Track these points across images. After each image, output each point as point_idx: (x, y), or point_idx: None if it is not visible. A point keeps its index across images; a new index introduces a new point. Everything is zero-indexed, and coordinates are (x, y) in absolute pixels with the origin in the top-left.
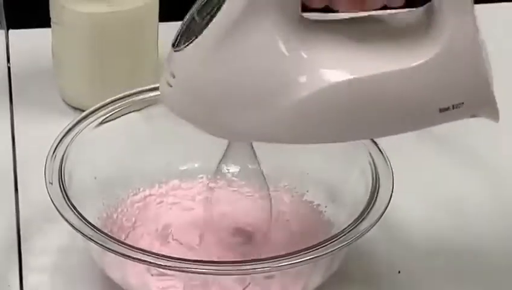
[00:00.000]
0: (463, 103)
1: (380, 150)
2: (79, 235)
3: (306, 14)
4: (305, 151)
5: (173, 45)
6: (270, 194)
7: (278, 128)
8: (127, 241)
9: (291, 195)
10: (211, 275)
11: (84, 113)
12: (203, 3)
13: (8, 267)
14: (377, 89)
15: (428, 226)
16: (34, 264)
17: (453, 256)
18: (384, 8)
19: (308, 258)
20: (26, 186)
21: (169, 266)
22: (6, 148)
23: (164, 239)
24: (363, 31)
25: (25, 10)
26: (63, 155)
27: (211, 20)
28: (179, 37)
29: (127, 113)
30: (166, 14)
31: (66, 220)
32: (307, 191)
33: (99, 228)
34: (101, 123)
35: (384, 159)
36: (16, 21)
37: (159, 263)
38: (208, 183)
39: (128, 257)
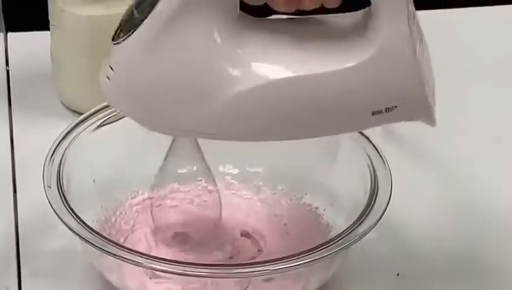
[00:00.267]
0: (396, 107)
1: (379, 153)
2: (77, 238)
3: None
4: (303, 154)
5: (112, 38)
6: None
7: (214, 124)
8: (125, 245)
9: (290, 198)
10: (209, 278)
11: (82, 116)
12: None
13: (6, 270)
14: (311, 89)
15: (427, 228)
16: (32, 267)
17: (452, 258)
18: (321, 9)
19: (307, 261)
20: (25, 189)
21: (167, 269)
22: (5, 151)
23: (162, 242)
24: (302, 32)
25: (24, 13)
26: (62, 158)
27: (148, 14)
28: (118, 31)
29: (125, 116)
30: None
31: (65, 224)
32: (305, 194)
33: (98, 231)
34: (100, 126)
35: (383, 162)
36: (15, 24)
37: (157, 266)
38: (206, 186)
39: (127, 260)
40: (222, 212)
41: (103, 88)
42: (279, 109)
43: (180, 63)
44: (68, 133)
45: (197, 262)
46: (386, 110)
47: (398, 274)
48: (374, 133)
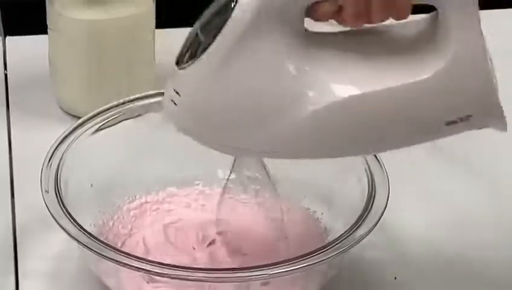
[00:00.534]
0: (471, 116)
1: (376, 157)
2: (75, 242)
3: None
4: None
5: (177, 63)
6: (264, 201)
7: (284, 145)
8: (123, 249)
9: (288, 202)
10: (207, 283)
11: (80, 120)
12: (206, 20)
13: (4, 273)
14: (383, 104)
15: (425, 232)
16: (30, 270)
17: (450, 263)
18: None
19: (304, 265)
20: (23, 192)
21: (164, 274)
22: (2, 154)
23: (160, 246)
24: (366, 44)
25: (22, 17)
26: (59, 162)
27: (215, 38)
28: (182, 55)
29: (123, 120)
30: (163, 21)
31: (62, 228)
32: (303, 198)
33: (95, 235)
34: (98, 130)
35: (380, 166)
36: (13, 28)
37: (155, 270)
38: (204, 191)
39: (124, 264)
40: (220, 216)
41: (167, 112)
42: (351, 127)
43: (250, 86)
44: (66, 137)
45: (194, 266)
46: (460, 120)
47: (395, 278)
48: None
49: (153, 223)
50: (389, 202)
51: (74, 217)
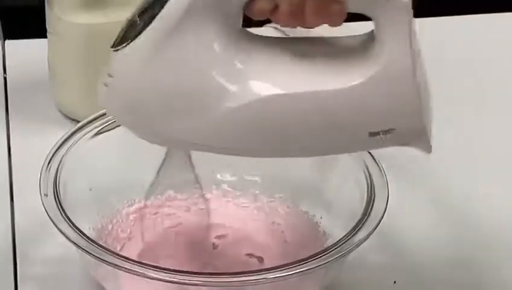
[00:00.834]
0: (394, 129)
1: (375, 161)
2: (74, 246)
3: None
4: (300, 162)
5: (112, 45)
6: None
7: (210, 138)
8: (122, 253)
9: (287, 206)
10: (205, 287)
11: (79, 124)
12: (145, 6)
13: (3, 276)
14: (308, 106)
15: (424, 236)
16: (29, 273)
17: (449, 267)
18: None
19: (303, 269)
20: (22, 196)
21: (163, 278)
22: (2, 158)
23: (159, 250)
24: (301, 49)
25: (21, 21)
26: (58, 166)
27: (150, 22)
28: (119, 38)
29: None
30: None
31: (61, 232)
32: (302, 202)
33: (94, 239)
34: (97, 134)
35: (380, 169)
36: (13, 31)
37: (154, 274)
38: (203, 194)
39: (123, 268)
40: (218, 220)
41: (100, 95)
42: (274, 126)
43: (179, 73)
44: (65, 140)
45: (193, 271)
46: (383, 133)
47: (395, 282)
48: None
49: (152, 227)
50: (388, 206)
51: (73, 221)
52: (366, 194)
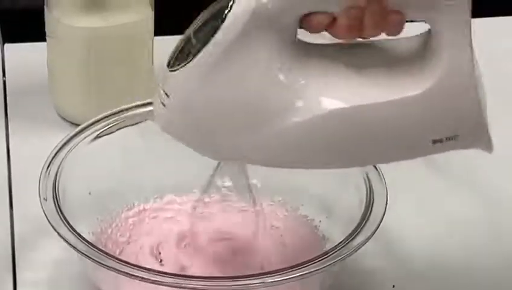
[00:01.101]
0: (458, 135)
1: (374, 165)
2: (73, 250)
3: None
4: None
5: (168, 65)
6: (262, 209)
7: (271, 153)
8: (121, 257)
9: (286, 210)
10: None
11: (78, 128)
12: (200, 24)
13: (2, 281)
14: (371, 118)
15: (423, 240)
16: (28, 278)
17: (448, 271)
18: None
19: (301, 273)
20: (21, 200)
21: (163, 282)
22: (1, 161)
23: (158, 254)
24: (358, 57)
25: (20, 24)
26: (58, 170)
27: (207, 42)
28: (174, 57)
29: (122, 128)
30: (161, 28)
31: (61, 236)
32: (302, 206)
33: (94, 243)
34: (96, 138)
35: (379, 174)
36: (12, 35)
37: (153, 278)
38: (202, 198)
39: (122, 272)
40: (217, 223)
41: (156, 114)
42: (339, 139)
43: (240, 91)
44: (64, 144)
45: (193, 275)
46: (446, 139)
47: (393, 286)
48: None
49: (152, 231)
50: (387, 210)
51: (72, 225)
52: (365, 198)
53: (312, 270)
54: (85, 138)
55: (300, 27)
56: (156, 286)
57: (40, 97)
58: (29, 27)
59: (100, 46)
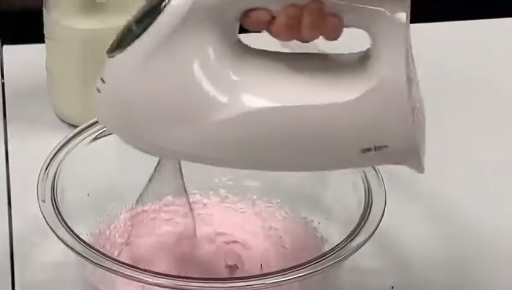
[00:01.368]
0: (386, 146)
1: (373, 167)
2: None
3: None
4: None
5: (108, 51)
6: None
7: (199, 148)
8: (120, 258)
9: (284, 211)
10: None
11: (77, 129)
12: (142, 14)
13: (0, 282)
14: (299, 120)
15: (422, 241)
16: (26, 280)
17: (447, 272)
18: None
19: (301, 275)
20: (19, 201)
21: (161, 283)
22: None
23: (157, 256)
24: (296, 63)
25: (19, 26)
26: (56, 172)
27: (145, 30)
28: (114, 44)
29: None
30: None
31: (59, 238)
32: (300, 207)
33: (92, 245)
34: (95, 139)
35: (377, 175)
36: (10, 36)
37: (151, 280)
38: (201, 200)
39: (121, 273)
40: (216, 226)
41: (95, 103)
42: (263, 139)
43: (171, 82)
44: (63, 146)
45: (190, 276)
46: (375, 149)
47: (392, 287)
48: None
49: (150, 232)
50: (385, 211)
51: (71, 227)
52: (363, 199)
53: (311, 271)
54: (83, 139)
55: (241, 25)
56: (155, 287)
57: (38, 99)
58: (28, 29)
59: (98, 48)
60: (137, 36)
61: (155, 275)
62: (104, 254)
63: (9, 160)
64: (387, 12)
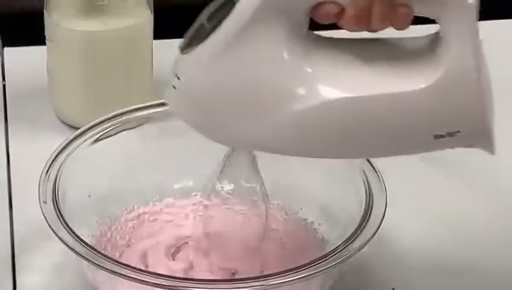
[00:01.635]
0: (459, 132)
1: (374, 168)
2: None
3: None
4: (298, 169)
5: (181, 48)
6: (266, 212)
7: (276, 139)
8: (121, 260)
9: (285, 213)
10: None
11: (78, 131)
12: (214, 10)
13: (2, 284)
14: (374, 110)
15: (423, 242)
16: (28, 281)
17: (448, 272)
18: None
19: (301, 276)
20: (21, 203)
21: (162, 285)
22: (0, 165)
23: (158, 257)
24: (367, 51)
25: (20, 28)
26: (57, 173)
27: (218, 26)
28: (187, 41)
29: (121, 131)
30: (161, 32)
31: (60, 239)
32: (301, 209)
33: (93, 246)
34: (96, 141)
35: (378, 176)
36: (11, 39)
37: (153, 281)
38: (202, 201)
39: (122, 275)
40: (217, 227)
41: (167, 97)
42: (340, 129)
43: (248, 76)
44: (64, 147)
45: (192, 277)
46: (448, 135)
47: (393, 289)
48: None
49: (151, 234)
50: (386, 212)
51: (72, 228)
52: (364, 200)
53: (312, 273)
54: (84, 141)
55: (311, 18)
56: (156, 288)
57: (39, 100)
58: (29, 31)
59: (99, 50)
60: (210, 32)
61: (157, 276)
62: (105, 256)
63: (11, 162)
64: None
